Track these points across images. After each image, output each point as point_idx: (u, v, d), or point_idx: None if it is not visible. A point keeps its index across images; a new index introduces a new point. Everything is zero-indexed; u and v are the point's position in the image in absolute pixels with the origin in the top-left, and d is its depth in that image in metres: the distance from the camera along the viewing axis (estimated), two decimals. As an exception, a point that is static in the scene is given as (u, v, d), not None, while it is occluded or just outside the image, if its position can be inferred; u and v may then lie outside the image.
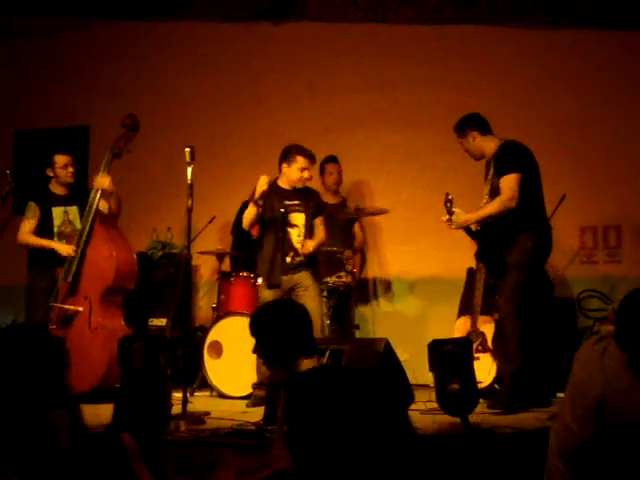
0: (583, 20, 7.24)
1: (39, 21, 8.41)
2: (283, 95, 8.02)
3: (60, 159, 6.63)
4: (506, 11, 7.43)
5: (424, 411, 5.19)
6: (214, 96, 8.18)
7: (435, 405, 4.91)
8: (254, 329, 3.82)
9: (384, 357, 4.96)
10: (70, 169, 6.64)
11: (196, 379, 6.68)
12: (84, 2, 8.32)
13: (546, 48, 7.39)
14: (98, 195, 6.37)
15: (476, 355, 5.57)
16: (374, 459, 1.84)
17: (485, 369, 5.88)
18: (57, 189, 6.67)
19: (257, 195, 6.07)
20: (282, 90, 8.03)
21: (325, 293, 6.79)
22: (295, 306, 4.13)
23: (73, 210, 6.62)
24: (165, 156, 7.78)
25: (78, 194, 6.66)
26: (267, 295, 6.07)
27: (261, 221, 6.22)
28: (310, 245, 6.24)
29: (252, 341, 3.89)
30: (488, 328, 6.05)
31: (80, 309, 6.26)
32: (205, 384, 6.66)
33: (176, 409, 4.99)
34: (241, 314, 6.46)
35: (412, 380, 5.52)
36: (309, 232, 6.32)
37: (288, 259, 6.18)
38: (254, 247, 6.41)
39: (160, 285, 7.44)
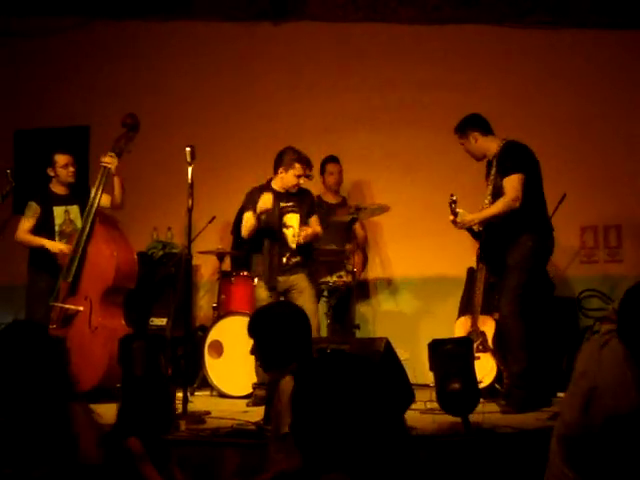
0: (583, 20, 7.24)
1: (39, 21, 8.40)
2: (283, 95, 8.02)
3: (61, 159, 6.64)
4: (506, 11, 7.43)
5: (424, 411, 5.18)
6: (214, 96, 8.18)
7: (435, 405, 4.91)
8: (253, 331, 3.82)
9: (384, 356, 4.95)
10: (71, 169, 6.65)
11: (196, 379, 6.69)
12: (84, 2, 8.32)
13: (546, 48, 7.39)
14: (99, 194, 6.37)
15: (476, 355, 5.57)
16: (378, 451, 1.87)
17: (485, 369, 5.89)
18: (58, 189, 6.68)
19: (259, 210, 6.13)
20: (282, 90, 8.03)
21: (325, 293, 6.80)
22: (294, 309, 4.12)
23: (74, 209, 6.63)
24: (165, 156, 7.77)
25: (79, 194, 6.67)
26: (264, 296, 6.10)
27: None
28: (308, 230, 6.26)
29: (252, 341, 3.89)
30: (488, 328, 6.05)
31: (80, 309, 6.26)
32: (205, 384, 6.67)
33: (177, 408, 4.99)
34: (241, 314, 6.46)
35: (412, 379, 5.51)
36: (303, 232, 6.37)
37: (284, 259, 6.24)
38: (250, 248, 6.43)
39: (160, 285, 7.44)
